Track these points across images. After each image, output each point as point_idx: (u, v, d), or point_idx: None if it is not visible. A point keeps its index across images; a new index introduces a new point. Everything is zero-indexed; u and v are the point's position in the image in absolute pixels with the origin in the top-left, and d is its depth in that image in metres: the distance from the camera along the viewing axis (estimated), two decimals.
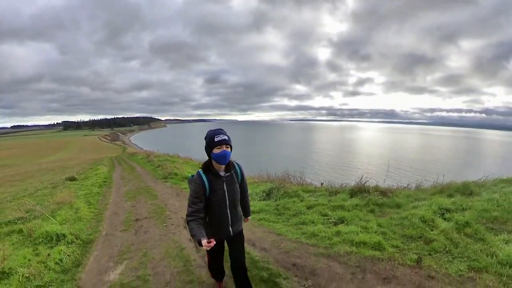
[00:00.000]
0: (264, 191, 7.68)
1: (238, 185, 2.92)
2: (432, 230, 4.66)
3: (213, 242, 2.38)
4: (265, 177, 10.41)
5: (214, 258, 3.28)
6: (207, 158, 2.75)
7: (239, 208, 3.03)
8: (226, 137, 2.66)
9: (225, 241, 3.04)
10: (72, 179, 12.12)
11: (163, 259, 4.34)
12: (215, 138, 2.63)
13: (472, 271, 3.53)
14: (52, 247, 4.71)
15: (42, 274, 3.90)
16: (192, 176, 2.89)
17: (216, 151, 2.64)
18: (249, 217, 3.30)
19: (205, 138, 2.72)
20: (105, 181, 12.17)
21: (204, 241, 2.39)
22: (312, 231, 4.96)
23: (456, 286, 3.29)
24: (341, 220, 5.36)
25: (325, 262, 3.95)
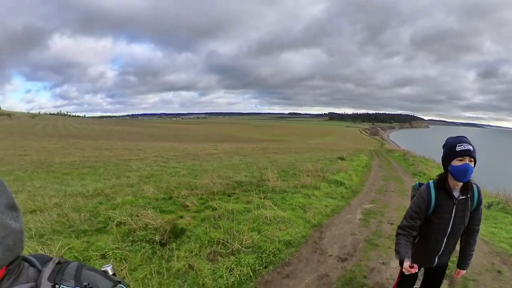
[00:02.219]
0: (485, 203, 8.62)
1: (469, 213, 2.44)
2: None
3: (415, 269, 2.17)
4: (494, 193, 11.43)
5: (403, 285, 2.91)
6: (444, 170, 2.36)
7: (458, 240, 2.59)
8: (470, 148, 2.24)
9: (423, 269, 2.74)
10: (342, 158, 16.79)
11: (394, 209, 7.53)
12: (457, 147, 2.26)
13: None
14: (337, 187, 8.90)
15: (332, 194, 8.09)
16: (419, 184, 2.65)
17: (456, 163, 2.25)
18: (464, 271, 2.67)
19: (443, 146, 2.38)
20: (366, 166, 16.32)
21: (406, 263, 2.20)
22: (485, 228, 6.53)
23: None
24: None
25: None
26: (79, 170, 10.73)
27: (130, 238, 4.09)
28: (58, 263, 1.01)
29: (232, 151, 20.39)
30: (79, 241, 4.11)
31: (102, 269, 1.16)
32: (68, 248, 3.88)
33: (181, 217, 5.00)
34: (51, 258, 1.01)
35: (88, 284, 0.99)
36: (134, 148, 21.26)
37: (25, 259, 0.98)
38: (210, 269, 3.50)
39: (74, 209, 5.55)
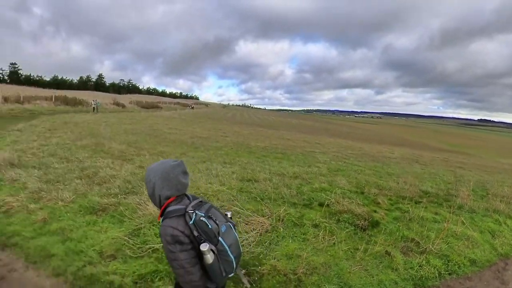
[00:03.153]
0: None
1: None
2: None
3: None
4: None
5: None
6: None
7: None
8: None
9: None
10: None
11: None
12: None
13: None
14: None
15: None
16: None
17: None
18: None
19: None
20: None
21: None
22: None
23: None
24: None
25: None
26: (274, 155, 12.93)
27: (336, 218, 5.28)
28: (200, 201, 2.09)
29: (410, 157, 19.75)
30: (294, 210, 5.47)
31: (225, 213, 2.20)
32: (287, 213, 5.24)
33: (375, 211, 5.88)
34: (198, 198, 2.13)
35: (211, 215, 2.01)
36: (313, 142, 23.16)
37: (186, 195, 2.13)
38: (402, 259, 4.28)
39: (283, 185, 7.09)
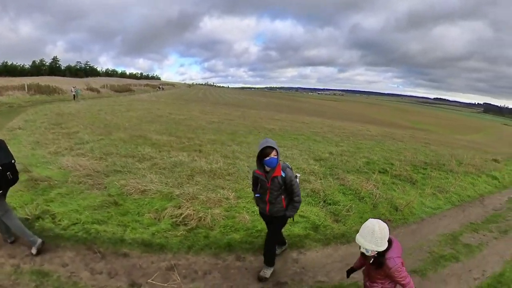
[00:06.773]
0: None
1: None
2: None
3: None
4: None
5: None
6: None
7: None
8: None
9: None
10: (496, 161, 17.12)
11: None
12: None
13: None
14: (492, 180, 12.88)
15: (489, 182, 12.40)
16: None
17: None
18: None
19: None
20: None
21: None
22: None
23: None
24: None
25: None
26: (302, 136, 16.40)
27: (398, 178, 9.59)
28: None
29: (386, 135, 22.19)
30: (372, 175, 9.71)
31: (296, 174, 4.15)
32: (374, 178, 9.49)
33: (410, 175, 10.03)
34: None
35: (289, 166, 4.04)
36: (299, 121, 25.84)
37: None
38: (441, 195, 8.82)
39: (346, 161, 10.95)
